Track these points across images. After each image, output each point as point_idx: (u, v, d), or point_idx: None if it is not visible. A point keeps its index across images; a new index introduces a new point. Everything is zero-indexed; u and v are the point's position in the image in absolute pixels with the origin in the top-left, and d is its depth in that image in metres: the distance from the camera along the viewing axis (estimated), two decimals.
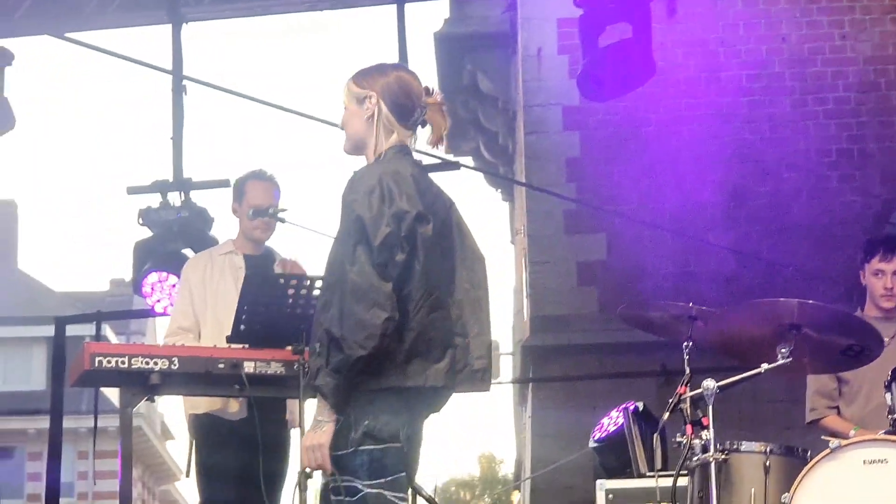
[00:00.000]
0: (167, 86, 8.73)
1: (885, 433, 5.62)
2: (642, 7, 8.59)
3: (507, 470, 39.32)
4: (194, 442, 6.59)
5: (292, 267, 6.59)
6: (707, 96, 12.00)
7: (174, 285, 8.10)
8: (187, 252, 8.32)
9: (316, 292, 5.75)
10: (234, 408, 6.55)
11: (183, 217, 8.35)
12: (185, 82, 8.73)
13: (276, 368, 5.97)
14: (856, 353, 5.77)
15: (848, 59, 12.00)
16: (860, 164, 11.84)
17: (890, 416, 5.69)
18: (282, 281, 6.05)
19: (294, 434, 6.55)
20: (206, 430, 6.59)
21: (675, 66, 11.66)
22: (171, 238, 8.33)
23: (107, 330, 25.29)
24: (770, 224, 11.52)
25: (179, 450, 39.62)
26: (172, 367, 5.84)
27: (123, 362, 5.81)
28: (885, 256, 6.54)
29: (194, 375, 5.92)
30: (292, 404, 6.63)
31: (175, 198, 8.43)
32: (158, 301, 8.21)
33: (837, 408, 6.62)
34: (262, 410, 6.16)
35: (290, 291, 5.90)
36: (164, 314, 8.25)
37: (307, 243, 6.72)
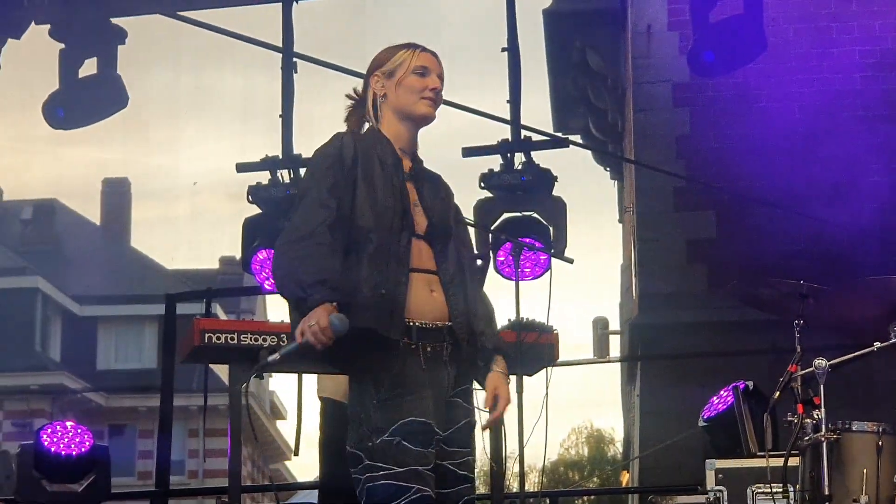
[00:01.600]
0: (278, 64, 8.79)
1: None
2: None
3: (615, 450, 39.22)
4: (322, 422, 6.63)
5: None
6: (819, 73, 11.85)
7: None
8: None
9: None
10: None
11: (292, 194, 8.39)
12: (295, 60, 8.79)
13: None
14: None
15: None
16: None
17: None
18: None
19: None
20: (335, 413, 6.63)
21: (787, 42, 11.52)
22: (281, 215, 8.34)
23: (217, 308, 25.54)
24: (884, 202, 11.34)
25: (289, 429, 39.92)
26: (281, 343, 5.89)
27: (233, 338, 5.89)
28: None
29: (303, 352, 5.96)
30: None
31: (284, 175, 8.48)
32: (268, 278, 8.25)
33: None
34: None
35: None
36: (273, 291, 8.29)
37: None
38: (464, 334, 4.48)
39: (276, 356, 4.33)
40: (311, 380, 6.74)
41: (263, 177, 8.52)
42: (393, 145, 4.58)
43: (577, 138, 16.69)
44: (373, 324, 4.32)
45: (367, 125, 4.66)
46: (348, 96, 4.70)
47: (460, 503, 4.40)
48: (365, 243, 4.39)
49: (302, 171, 8.50)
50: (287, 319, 6.06)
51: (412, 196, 4.54)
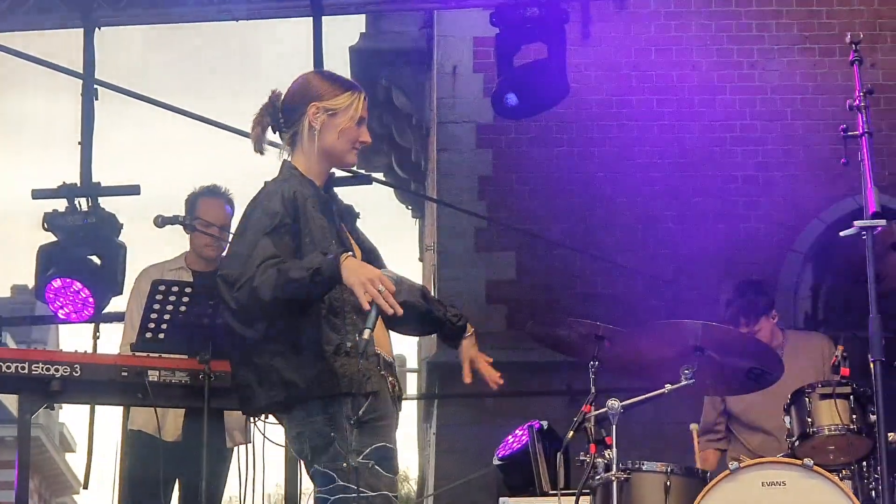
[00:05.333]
0: (79, 89, 8.63)
1: (784, 456, 5.70)
2: (558, 28, 8.66)
3: (409, 488, 39.28)
4: (125, 455, 6.52)
5: None
6: (618, 119, 12.09)
7: (78, 292, 8.01)
8: (93, 258, 8.22)
9: None
10: (169, 433, 6.52)
11: (90, 223, 8.24)
12: (96, 87, 8.65)
13: (180, 377, 5.94)
14: (756, 375, 5.84)
15: (756, 88, 12.16)
16: (765, 191, 11.98)
17: (788, 440, 5.78)
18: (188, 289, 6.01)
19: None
20: (138, 446, 6.54)
21: (588, 88, 11.74)
22: (77, 244, 8.20)
23: (7, 337, 24.91)
24: (677, 248, 11.62)
25: (79, 461, 39.03)
26: (74, 373, 5.78)
27: (23, 367, 5.75)
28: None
29: (97, 383, 5.87)
30: (233, 427, 6.61)
31: (82, 203, 8.32)
32: (62, 308, 8.09)
33: (722, 440, 6.78)
34: (198, 436, 6.03)
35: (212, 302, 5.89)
36: (66, 321, 8.14)
37: None
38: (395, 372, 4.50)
39: (368, 332, 4.18)
40: (101, 412, 6.62)
41: (61, 204, 8.34)
42: (318, 187, 4.51)
43: (380, 175, 16.74)
44: (345, 389, 4.25)
45: (285, 154, 4.51)
46: (272, 98, 4.52)
47: None
48: (315, 304, 4.26)
49: (101, 199, 8.36)
50: (80, 349, 5.99)
51: (348, 236, 4.51)
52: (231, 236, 6.65)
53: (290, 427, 4.37)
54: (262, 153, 4.55)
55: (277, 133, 4.58)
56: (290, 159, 4.54)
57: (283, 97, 4.54)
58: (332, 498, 4.24)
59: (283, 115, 4.52)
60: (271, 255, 4.21)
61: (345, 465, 4.22)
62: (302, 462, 4.43)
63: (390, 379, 4.42)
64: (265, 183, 4.50)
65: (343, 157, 4.55)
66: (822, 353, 6.77)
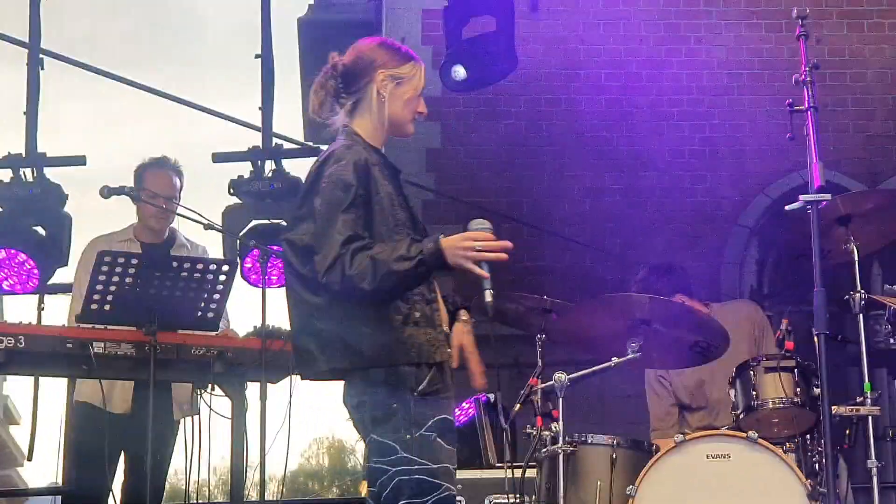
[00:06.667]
0: (24, 59, 8.54)
1: (729, 429, 5.75)
2: (506, 1, 8.65)
3: (356, 461, 39.31)
4: (71, 427, 6.51)
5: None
6: (566, 93, 12.10)
7: (23, 263, 7.94)
8: (38, 229, 8.16)
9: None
10: (116, 406, 6.51)
11: (35, 193, 8.17)
12: (42, 56, 8.55)
13: (126, 350, 5.92)
14: (702, 349, 5.88)
15: (703, 63, 12.20)
16: (711, 166, 12.03)
17: (733, 413, 5.82)
18: (128, 260, 5.99)
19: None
20: (84, 419, 6.52)
21: (536, 61, 11.74)
22: (22, 214, 8.13)
23: None
24: (624, 221, 11.66)
25: (23, 434, 38.76)
26: (18, 345, 5.75)
27: None
28: None
29: (41, 355, 5.84)
30: (180, 399, 6.61)
31: (27, 173, 8.24)
32: (6, 279, 8.02)
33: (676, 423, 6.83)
34: (146, 408, 6.00)
35: (158, 274, 5.88)
36: (11, 292, 8.07)
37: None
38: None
39: (489, 293, 4.31)
40: (46, 384, 6.59)
41: (5, 175, 8.27)
42: (381, 153, 4.48)
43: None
44: (411, 359, 4.24)
45: (344, 115, 4.47)
46: (334, 63, 4.50)
47: None
48: None
49: (46, 169, 8.29)
50: (25, 320, 5.95)
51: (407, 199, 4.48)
52: (179, 205, 6.67)
53: (351, 396, 4.31)
54: (321, 118, 4.53)
55: (336, 98, 4.53)
56: (350, 125, 4.50)
57: (344, 63, 4.51)
58: (394, 469, 4.21)
59: (343, 80, 4.49)
60: (351, 233, 4.16)
61: (407, 436, 4.20)
62: (358, 431, 4.37)
63: (449, 349, 4.42)
64: (327, 147, 4.47)
65: (404, 126, 4.55)
66: (752, 319, 6.82)
